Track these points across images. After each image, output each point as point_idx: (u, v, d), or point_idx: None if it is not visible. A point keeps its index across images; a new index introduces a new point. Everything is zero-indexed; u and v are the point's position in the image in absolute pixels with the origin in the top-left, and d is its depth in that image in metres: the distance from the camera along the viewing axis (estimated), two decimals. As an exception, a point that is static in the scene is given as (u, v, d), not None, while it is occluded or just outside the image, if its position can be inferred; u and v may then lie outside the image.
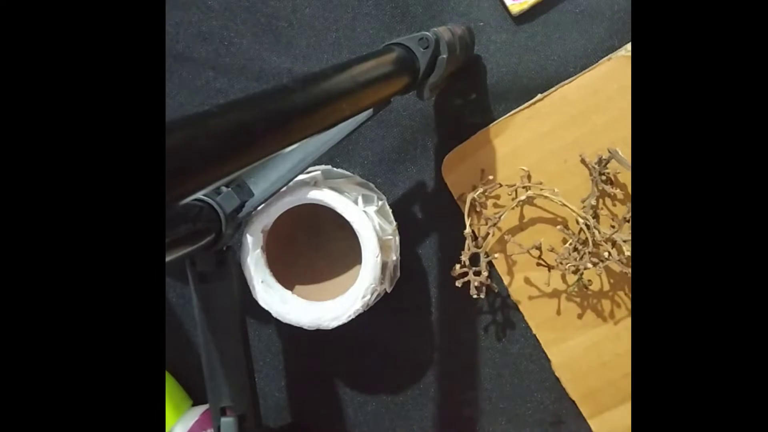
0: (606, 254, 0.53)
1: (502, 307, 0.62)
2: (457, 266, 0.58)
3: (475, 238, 0.59)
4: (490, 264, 0.58)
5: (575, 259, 0.55)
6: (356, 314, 0.54)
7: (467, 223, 0.57)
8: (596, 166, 0.55)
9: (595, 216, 0.56)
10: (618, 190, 0.54)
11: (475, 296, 0.57)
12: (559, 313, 0.59)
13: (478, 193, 0.58)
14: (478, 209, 0.59)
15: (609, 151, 0.54)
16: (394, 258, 0.58)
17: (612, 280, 0.58)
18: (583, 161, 0.56)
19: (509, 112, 0.59)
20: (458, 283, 0.58)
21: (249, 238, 0.54)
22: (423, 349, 0.65)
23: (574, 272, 0.56)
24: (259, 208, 0.53)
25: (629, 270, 0.53)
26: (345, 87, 0.41)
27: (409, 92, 0.50)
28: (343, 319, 0.54)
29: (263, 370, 0.67)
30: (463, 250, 0.58)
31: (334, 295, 0.55)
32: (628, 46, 0.57)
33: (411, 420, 0.65)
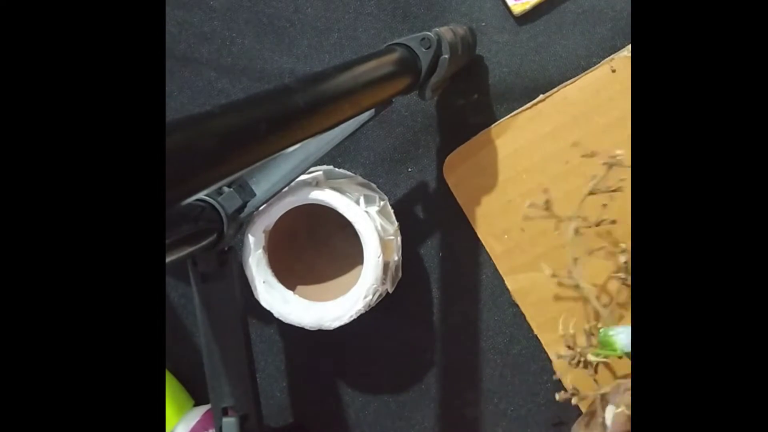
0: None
1: (504, 308, 0.62)
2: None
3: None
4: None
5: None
6: (358, 315, 0.55)
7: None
8: None
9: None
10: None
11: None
12: (560, 314, 0.59)
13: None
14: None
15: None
16: (396, 258, 0.58)
17: (613, 281, 0.58)
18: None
19: (511, 112, 0.59)
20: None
21: (251, 239, 0.54)
22: (424, 349, 0.65)
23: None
24: (261, 208, 0.53)
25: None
26: (347, 87, 0.41)
27: (411, 92, 0.50)
28: (345, 320, 0.54)
29: (265, 370, 0.67)
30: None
31: (336, 296, 0.55)
32: (630, 46, 0.57)
33: (412, 420, 0.65)
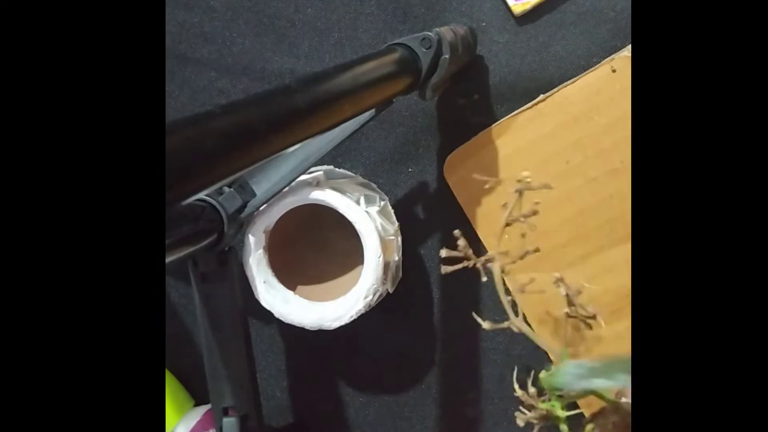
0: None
1: (504, 308, 0.62)
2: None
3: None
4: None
5: None
6: (358, 315, 0.54)
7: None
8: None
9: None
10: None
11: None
12: (560, 313, 0.59)
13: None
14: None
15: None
16: (396, 258, 0.58)
17: (613, 280, 0.57)
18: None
19: (511, 112, 0.59)
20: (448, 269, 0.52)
21: (251, 239, 0.54)
22: (425, 349, 0.65)
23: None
24: (261, 208, 0.53)
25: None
26: (347, 87, 0.41)
27: (412, 92, 0.50)
28: (345, 320, 0.54)
29: (265, 370, 0.67)
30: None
31: (336, 296, 0.55)
32: (630, 46, 0.57)
33: (413, 420, 0.65)
